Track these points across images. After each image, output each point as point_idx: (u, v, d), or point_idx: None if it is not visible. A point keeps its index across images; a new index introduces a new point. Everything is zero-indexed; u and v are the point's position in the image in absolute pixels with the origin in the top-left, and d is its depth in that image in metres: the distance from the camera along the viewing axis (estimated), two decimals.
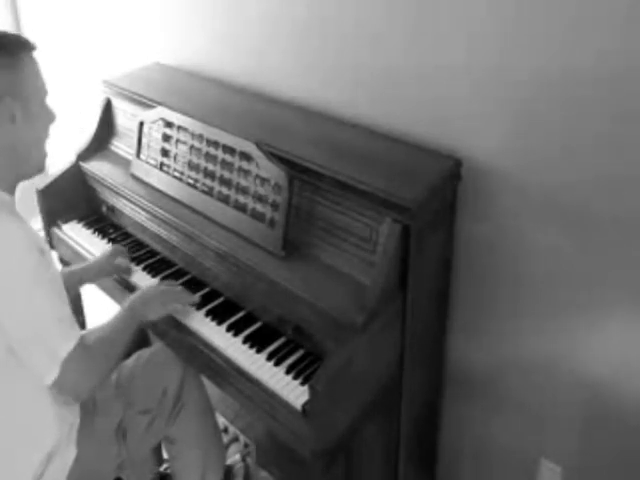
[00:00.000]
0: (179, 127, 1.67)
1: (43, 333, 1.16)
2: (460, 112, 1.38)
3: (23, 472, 1.27)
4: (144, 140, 1.77)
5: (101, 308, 1.40)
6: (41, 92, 1.25)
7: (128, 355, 1.55)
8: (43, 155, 1.29)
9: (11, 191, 1.25)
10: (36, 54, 1.24)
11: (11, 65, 1.18)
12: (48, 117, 1.28)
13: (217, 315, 1.50)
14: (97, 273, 1.65)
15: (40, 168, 1.30)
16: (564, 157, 1.26)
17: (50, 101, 1.29)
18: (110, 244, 1.79)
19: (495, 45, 1.27)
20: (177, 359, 1.53)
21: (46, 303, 1.17)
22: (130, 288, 1.64)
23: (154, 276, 1.66)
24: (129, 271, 1.68)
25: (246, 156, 1.49)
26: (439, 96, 1.40)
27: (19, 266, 1.14)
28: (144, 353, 1.57)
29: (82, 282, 1.65)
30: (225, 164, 1.55)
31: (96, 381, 1.26)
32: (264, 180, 1.45)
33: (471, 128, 1.37)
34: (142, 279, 1.66)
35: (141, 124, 1.77)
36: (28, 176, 1.29)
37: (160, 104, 1.74)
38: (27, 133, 1.22)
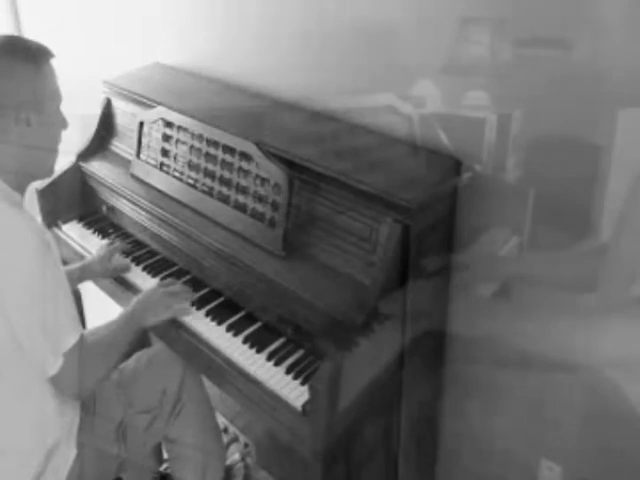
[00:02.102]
0: (179, 127, 1.67)
1: (48, 325, 1.18)
2: (459, 112, 1.38)
3: (23, 470, 1.27)
4: (144, 140, 1.77)
5: (101, 308, 1.41)
6: (56, 99, 1.29)
7: (129, 355, 1.56)
8: (53, 159, 1.33)
9: (21, 191, 1.28)
10: (53, 62, 1.27)
11: (33, 73, 1.22)
12: (61, 123, 1.31)
13: (217, 315, 1.50)
14: (94, 274, 1.66)
15: (49, 171, 1.34)
16: (564, 157, 1.25)
17: (63, 108, 1.31)
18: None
19: (495, 45, 1.27)
20: (177, 359, 1.53)
21: (52, 296, 1.20)
22: (130, 288, 1.64)
23: (154, 276, 1.66)
24: (128, 268, 1.68)
25: (246, 156, 1.49)
26: (438, 96, 1.40)
27: (28, 258, 1.16)
28: (145, 353, 1.57)
29: (80, 281, 1.65)
30: (225, 164, 1.55)
31: (93, 380, 1.28)
32: (264, 180, 1.45)
33: (470, 128, 1.37)
34: (142, 279, 1.66)
35: (141, 124, 1.77)
36: (38, 177, 1.35)
37: (160, 104, 1.74)
38: (40, 137, 1.25)
